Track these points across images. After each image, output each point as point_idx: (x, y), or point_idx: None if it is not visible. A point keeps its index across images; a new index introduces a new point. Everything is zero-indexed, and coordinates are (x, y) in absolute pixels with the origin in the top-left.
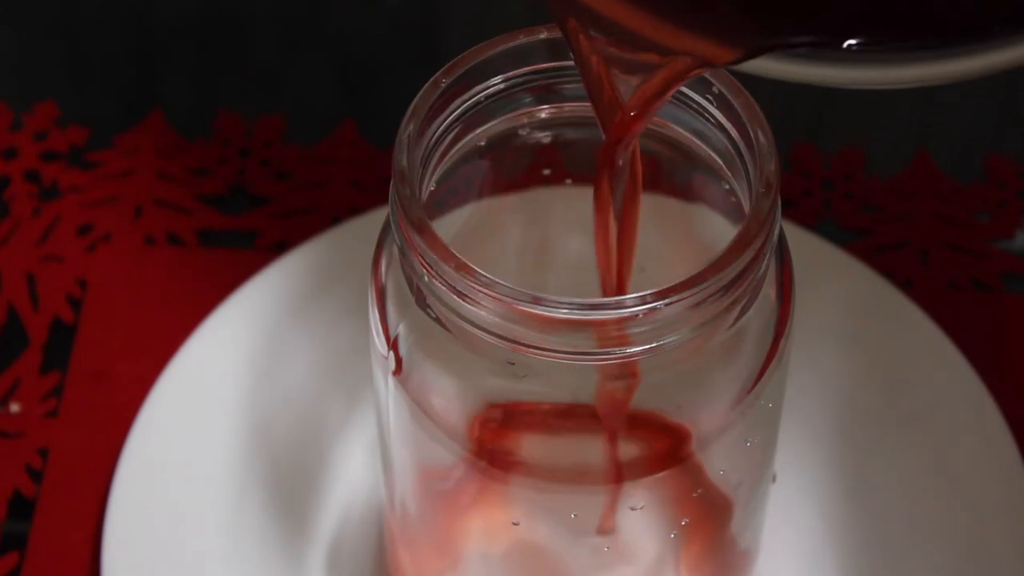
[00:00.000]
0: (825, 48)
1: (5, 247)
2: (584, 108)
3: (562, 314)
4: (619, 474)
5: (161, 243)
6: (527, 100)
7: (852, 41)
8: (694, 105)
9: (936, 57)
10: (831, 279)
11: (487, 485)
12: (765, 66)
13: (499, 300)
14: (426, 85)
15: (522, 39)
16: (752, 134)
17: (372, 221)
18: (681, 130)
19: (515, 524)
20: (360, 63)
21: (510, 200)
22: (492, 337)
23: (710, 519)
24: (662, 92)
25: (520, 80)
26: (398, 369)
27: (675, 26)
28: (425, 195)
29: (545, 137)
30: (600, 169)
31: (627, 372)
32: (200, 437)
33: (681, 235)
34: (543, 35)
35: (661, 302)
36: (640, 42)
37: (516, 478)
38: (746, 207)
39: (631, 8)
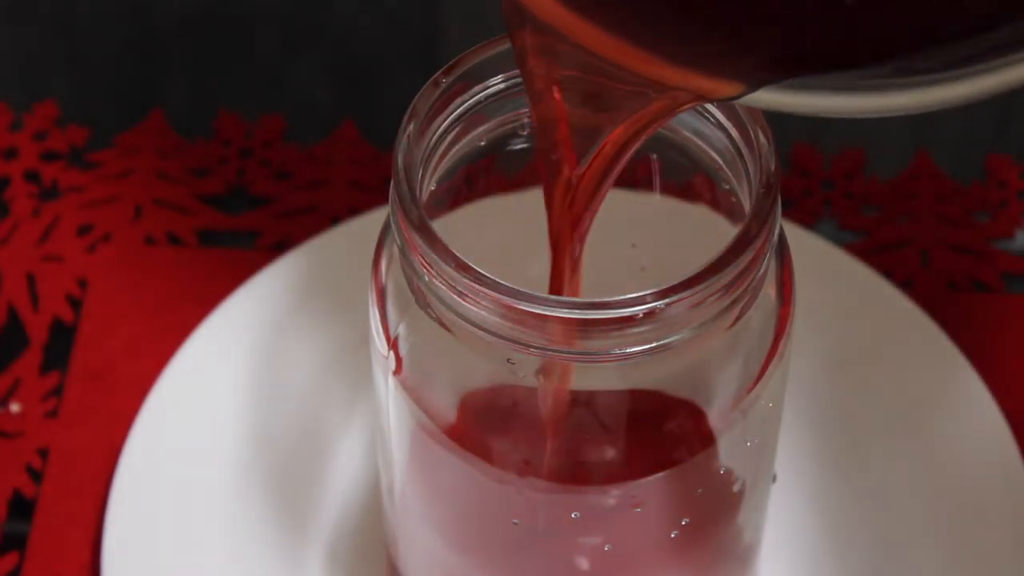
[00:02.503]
0: (826, 75)
1: (5, 247)
2: None
3: (562, 314)
4: (620, 473)
5: (161, 243)
6: (527, 100)
7: (856, 68)
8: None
9: (931, 82)
10: (831, 279)
11: (487, 484)
12: (763, 98)
13: (499, 300)
14: (426, 85)
15: None
16: (752, 134)
17: (372, 221)
18: (681, 130)
19: (515, 523)
20: (360, 63)
21: (510, 200)
22: (492, 337)
23: (710, 519)
24: (644, 129)
25: (520, 80)
26: (398, 369)
27: (668, 60)
28: (425, 195)
29: None
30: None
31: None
32: (200, 437)
33: (681, 235)
34: None
35: (661, 302)
36: (623, 77)
37: (516, 477)
38: (746, 207)
39: (614, 39)
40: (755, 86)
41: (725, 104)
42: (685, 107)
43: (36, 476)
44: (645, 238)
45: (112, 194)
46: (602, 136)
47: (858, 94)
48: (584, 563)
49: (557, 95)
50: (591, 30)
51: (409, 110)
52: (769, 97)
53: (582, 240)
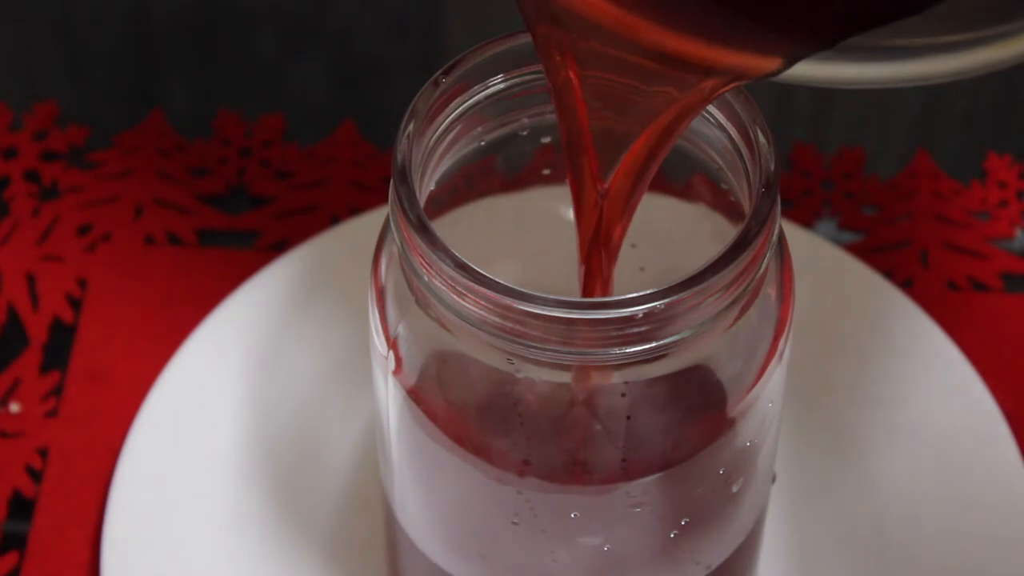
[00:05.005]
0: (876, 29)
1: (5, 247)
2: None
3: (562, 314)
4: (620, 473)
5: (161, 243)
6: (527, 100)
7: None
8: None
9: (972, 44)
10: (831, 279)
11: (487, 484)
12: (803, 72)
13: (499, 300)
14: (426, 85)
15: (522, 39)
16: (752, 134)
17: (372, 221)
18: None
19: (515, 523)
20: (360, 63)
21: (510, 200)
22: (492, 336)
23: (710, 519)
24: (681, 120)
25: (520, 80)
26: (398, 369)
27: (706, 39)
28: (425, 195)
29: (545, 137)
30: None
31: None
32: (200, 437)
33: (681, 235)
34: None
35: (661, 302)
36: (653, 62)
37: (515, 477)
38: (746, 207)
39: (646, 22)
40: (797, 58)
41: (725, 104)
42: (719, 93)
43: (36, 476)
44: (645, 238)
45: (112, 194)
46: (631, 138)
47: (897, 60)
48: (584, 563)
49: (579, 93)
50: (626, 16)
51: (409, 110)
52: (809, 70)
53: (614, 257)
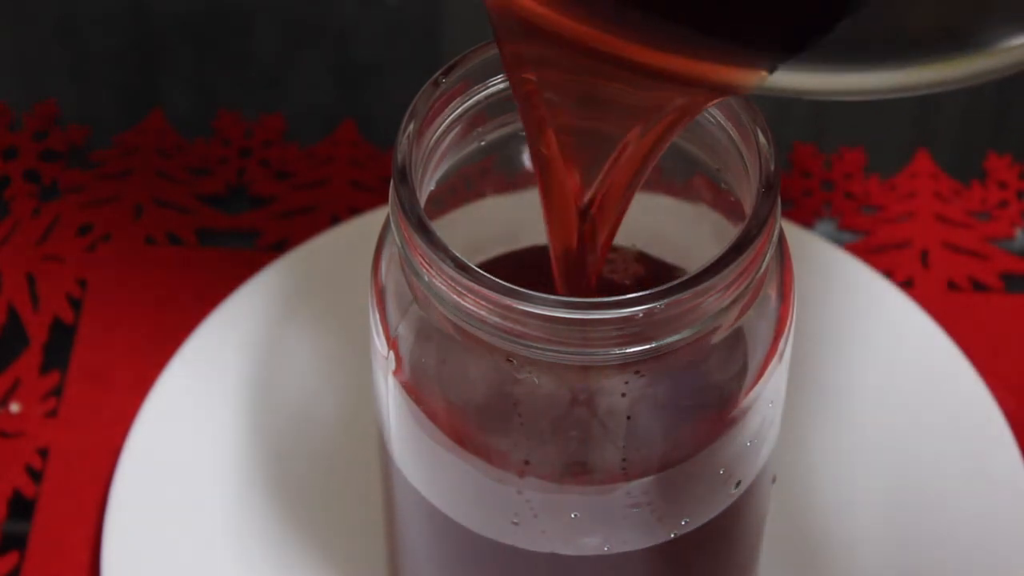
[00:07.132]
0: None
1: (5, 247)
2: None
3: (562, 314)
4: (620, 473)
5: (161, 243)
6: (521, 118)
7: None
8: None
9: (956, 54)
10: (831, 279)
11: (487, 484)
12: (791, 82)
13: (499, 300)
14: (426, 85)
15: None
16: (752, 134)
17: (372, 221)
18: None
19: (515, 523)
20: (360, 63)
21: (510, 200)
22: (492, 336)
23: (710, 519)
24: (662, 141)
25: None
26: (398, 369)
27: (684, 55)
28: (425, 195)
29: None
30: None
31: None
32: (200, 437)
33: (681, 235)
34: None
35: (661, 302)
36: (628, 79)
37: (515, 477)
38: (746, 207)
39: (621, 40)
40: (780, 61)
41: (725, 104)
42: (703, 107)
43: (36, 476)
44: (644, 237)
45: (112, 194)
46: (614, 149)
47: (886, 69)
48: (584, 563)
49: (554, 112)
50: (605, 37)
51: (409, 110)
52: (797, 79)
53: (600, 265)
